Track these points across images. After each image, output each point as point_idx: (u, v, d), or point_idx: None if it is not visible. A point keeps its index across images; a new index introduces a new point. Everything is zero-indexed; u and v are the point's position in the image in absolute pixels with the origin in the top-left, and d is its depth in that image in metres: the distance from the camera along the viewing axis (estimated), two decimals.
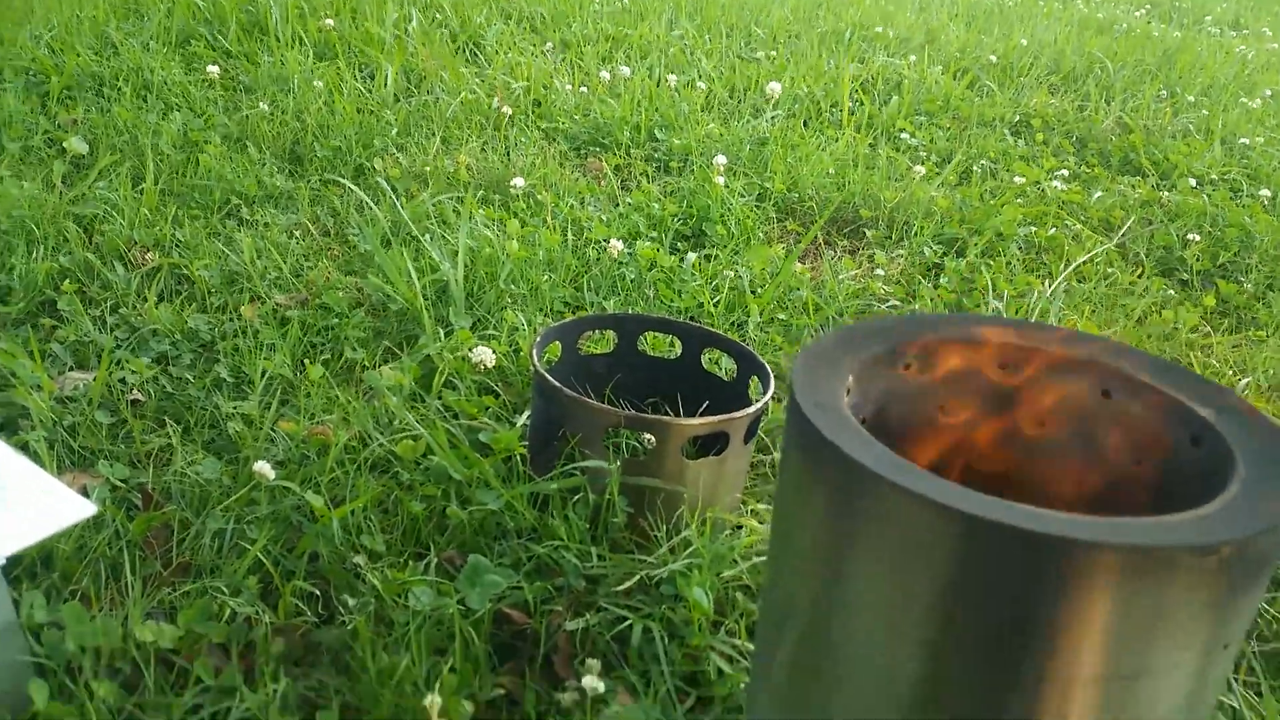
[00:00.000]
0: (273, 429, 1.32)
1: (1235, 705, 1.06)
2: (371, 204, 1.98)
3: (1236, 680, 1.12)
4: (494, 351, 1.49)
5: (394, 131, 2.47)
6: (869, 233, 2.17)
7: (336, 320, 1.61)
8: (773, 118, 2.80)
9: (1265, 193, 2.62)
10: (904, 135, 2.81)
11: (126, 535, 1.12)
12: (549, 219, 2.05)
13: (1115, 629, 0.61)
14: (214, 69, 2.62)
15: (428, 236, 1.87)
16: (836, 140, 2.65)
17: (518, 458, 1.27)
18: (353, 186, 2.09)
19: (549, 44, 3.49)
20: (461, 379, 1.46)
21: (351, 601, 1.04)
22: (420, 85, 2.86)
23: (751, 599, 1.12)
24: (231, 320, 1.58)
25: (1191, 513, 0.62)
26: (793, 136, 2.65)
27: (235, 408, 1.35)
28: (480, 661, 1.00)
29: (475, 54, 3.23)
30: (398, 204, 1.98)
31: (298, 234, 1.93)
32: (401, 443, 1.28)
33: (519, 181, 2.11)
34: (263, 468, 1.19)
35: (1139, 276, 2.09)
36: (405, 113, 2.59)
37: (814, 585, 0.72)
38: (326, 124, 2.43)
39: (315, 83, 2.63)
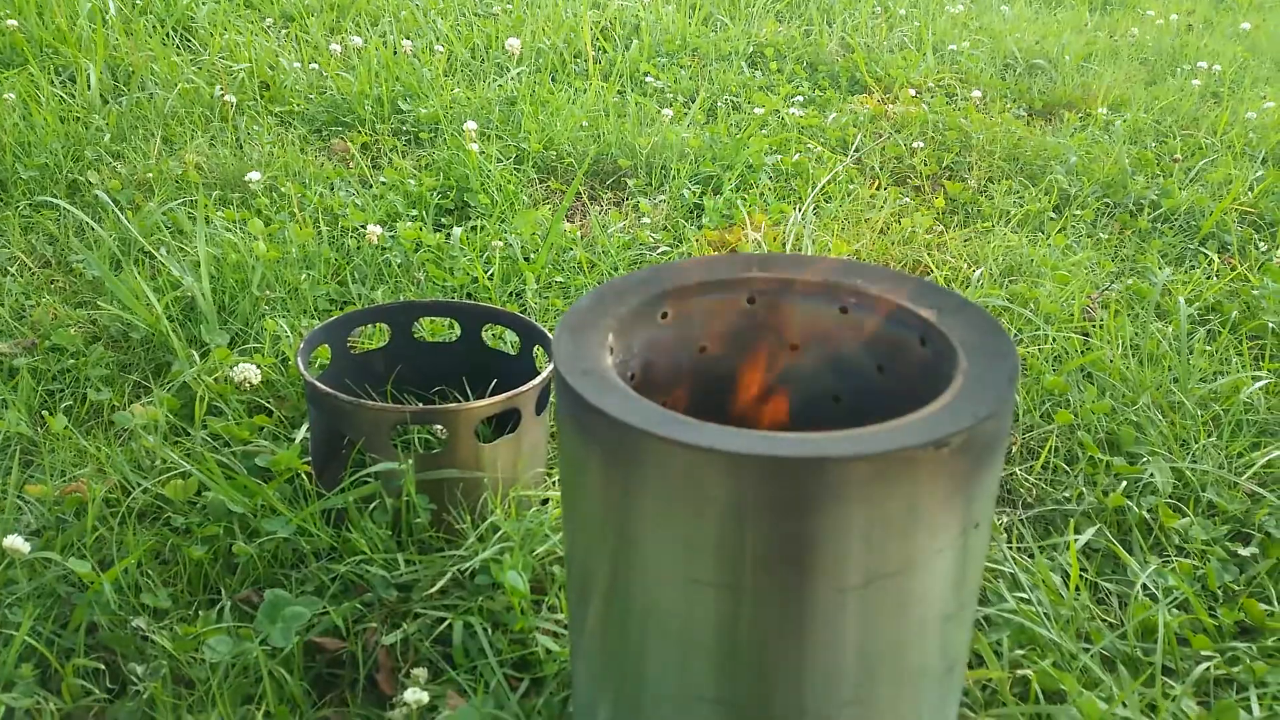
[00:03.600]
0: (19, 495, 1.19)
1: (1011, 571, 1.18)
2: (93, 223, 1.79)
3: (1010, 548, 1.24)
4: (258, 366, 1.40)
5: (106, 138, 2.24)
6: (630, 182, 2.20)
7: (73, 361, 1.46)
8: (518, 74, 2.76)
9: (976, 94, 2.85)
10: (649, 79, 2.85)
11: None
12: (297, 211, 1.93)
13: (876, 531, 0.65)
14: None
15: (163, 250, 1.72)
16: (585, 91, 2.64)
17: (303, 476, 1.21)
18: (68, 206, 1.89)
19: (268, 19, 3.27)
20: (227, 402, 1.37)
21: (140, 669, 0.96)
22: (130, 82, 2.61)
23: None
24: None
25: (922, 411, 0.67)
26: (541, 92, 2.62)
27: None
28: (298, 700, 0.96)
29: (188, 39, 2.98)
30: (122, 218, 1.81)
31: (13, 270, 1.73)
32: (169, 484, 1.18)
33: (255, 175, 1.97)
34: (14, 542, 1.07)
35: (877, 189, 2.23)
36: (116, 115, 2.35)
37: (607, 549, 0.73)
38: (26, 140, 2.17)
39: (5, 95, 2.34)
